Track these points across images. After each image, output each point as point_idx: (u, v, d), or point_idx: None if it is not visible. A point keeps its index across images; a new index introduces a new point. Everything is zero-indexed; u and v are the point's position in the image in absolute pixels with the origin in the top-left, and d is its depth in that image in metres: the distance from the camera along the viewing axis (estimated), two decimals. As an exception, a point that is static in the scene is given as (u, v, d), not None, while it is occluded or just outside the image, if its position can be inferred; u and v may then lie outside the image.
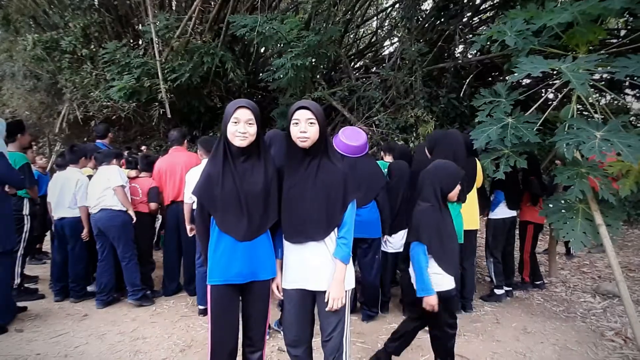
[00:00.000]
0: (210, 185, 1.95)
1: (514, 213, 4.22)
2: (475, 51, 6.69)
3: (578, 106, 3.44)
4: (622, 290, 2.92)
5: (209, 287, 2.01)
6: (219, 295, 1.99)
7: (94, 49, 6.75)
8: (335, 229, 1.95)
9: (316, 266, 1.94)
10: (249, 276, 1.98)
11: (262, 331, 2.10)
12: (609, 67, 3.03)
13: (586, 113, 4.45)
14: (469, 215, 3.70)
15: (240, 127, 1.89)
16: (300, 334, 2.03)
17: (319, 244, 1.94)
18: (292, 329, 2.04)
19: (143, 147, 7.65)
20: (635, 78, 3.03)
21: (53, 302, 4.11)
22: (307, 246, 1.95)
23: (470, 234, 3.77)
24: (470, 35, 6.97)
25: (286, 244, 2.01)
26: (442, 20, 7.03)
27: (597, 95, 4.87)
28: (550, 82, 5.92)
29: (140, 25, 6.98)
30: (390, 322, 3.58)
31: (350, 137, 3.43)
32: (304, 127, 1.88)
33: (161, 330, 3.45)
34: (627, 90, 6.02)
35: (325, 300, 1.92)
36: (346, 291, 1.96)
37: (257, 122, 1.93)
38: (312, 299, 2.02)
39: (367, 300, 3.63)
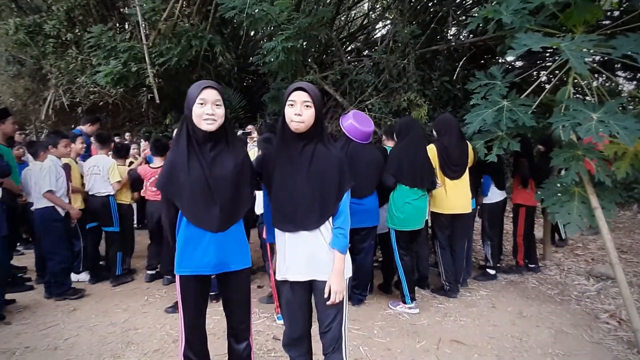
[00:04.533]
0: (174, 176, 1.83)
1: (505, 195, 4.23)
2: (468, 33, 6.59)
3: (572, 88, 3.39)
4: (618, 273, 2.92)
5: (177, 277, 1.94)
6: (187, 285, 1.92)
7: (79, 33, 6.55)
8: (330, 218, 1.88)
9: (310, 256, 1.87)
10: (219, 267, 1.90)
11: (245, 322, 2.06)
12: (606, 48, 2.97)
13: (580, 96, 4.41)
14: (460, 198, 3.70)
15: (208, 109, 1.78)
16: (297, 325, 1.98)
17: (312, 233, 1.86)
18: (289, 321, 1.99)
19: (127, 135, 7.51)
20: (630, 58, 2.98)
21: (43, 293, 4.03)
22: (300, 235, 1.87)
23: (462, 218, 3.76)
24: (464, 17, 6.87)
25: (279, 234, 1.93)
26: (435, 1, 6.91)
27: (590, 77, 4.82)
28: (544, 65, 5.89)
29: (125, 8, 6.78)
30: (385, 309, 3.56)
31: (363, 123, 3.39)
32: (299, 110, 1.78)
33: (153, 320, 3.39)
34: (619, 73, 5.99)
35: (326, 293, 1.85)
36: (344, 280, 1.90)
37: (224, 104, 1.84)
38: (308, 289, 1.95)
39: (359, 284, 3.61)
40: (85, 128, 5.20)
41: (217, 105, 1.80)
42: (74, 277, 4.17)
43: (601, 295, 3.81)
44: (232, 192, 1.86)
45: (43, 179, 3.70)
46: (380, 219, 3.63)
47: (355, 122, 3.35)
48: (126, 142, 7.23)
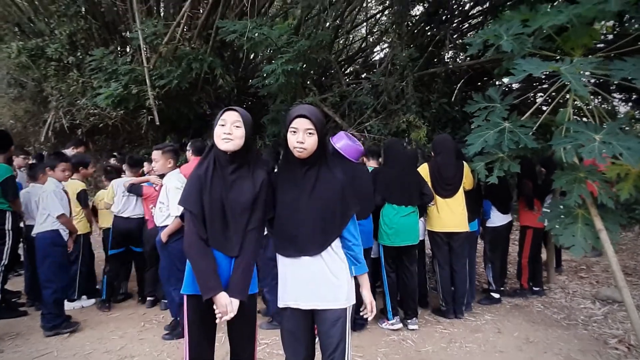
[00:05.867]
0: (198, 194, 1.82)
1: (509, 218, 4.19)
2: (465, 56, 6.68)
3: (571, 110, 3.40)
4: (626, 297, 2.86)
5: (185, 298, 1.90)
6: (193, 306, 1.88)
7: (81, 56, 6.61)
8: (334, 245, 1.84)
9: (312, 283, 1.82)
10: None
11: (250, 350, 1.99)
12: (605, 71, 2.99)
13: (576, 118, 4.43)
14: (453, 217, 3.69)
15: (226, 129, 1.79)
16: (299, 354, 1.90)
17: (314, 259, 1.82)
18: (290, 349, 1.91)
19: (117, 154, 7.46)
20: (627, 80, 3.01)
21: (36, 320, 3.91)
22: (302, 261, 1.83)
23: (459, 236, 3.73)
24: (460, 41, 6.97)
25: (280, 259, 1.89)
26: (432, 25, 7.03)
27: (590, 99, 4.86)
28: (541, 87, 5.95)
29: (127, 32, 6.86)
30: (389, 334, 3.48)
31: (355, 141, 3.38)
32: (301, 137, 1.76)
33: (150, 347, 3.29)
34: (614, 95, 6.05)
35: (369, 307, 1.92)
36: (346, 308, 1.86)
37: (245, 127, 1.83)
38: (310, 317, 1.89)
39: (358, 308, 3.53)
40: (70, 151, 5.18)
41: (236, 126, 1.81)
42: (68, 305, 4.09)
43: (608, 320, 3.72)
44: (247, 218, 1.84)
45: (52, 203, 3.53)
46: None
47: (350, 142, 3.33)
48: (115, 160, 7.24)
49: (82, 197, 4.16)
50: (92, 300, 4.32)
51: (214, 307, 1.77)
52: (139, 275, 4.42)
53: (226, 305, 1.76)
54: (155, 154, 3.36)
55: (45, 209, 3.59)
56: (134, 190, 4.09)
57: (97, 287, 4.57)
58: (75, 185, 4.12)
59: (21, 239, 4.17)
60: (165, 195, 3.30)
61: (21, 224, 4.10)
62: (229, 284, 1.82)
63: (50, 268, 3.56)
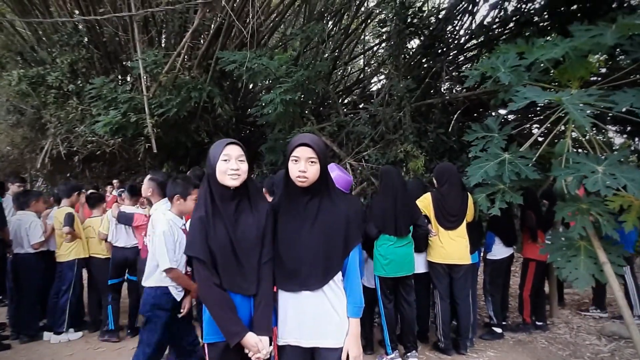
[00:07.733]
0: (203, 238, 1.73)
1: (511, 251, 4.11)
2: (461, 87, 6.78)
3: (570, 141, 3.40)
4: (634, 333, 2.77)
5: (205, 346, 1.81)
6: (215, 353, 1.78)
7: (81, 84, 6.66)
8: (336, 278, 1.76)
9: (314, 320, 1.73)
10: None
11: None
12: (605, 103, 3.00)
13: (575, 149, 4.44)
14: (457, 249, 3.61)
15: (232, 164, 1.74)
16: None
17: (315, 294, 1.74)
18: None
19: (115, 181, 7.45)
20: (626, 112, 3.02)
21: (21, 354, 3.75)
22: (302, 296, 1.74)
23: (461, 268, 3.64)
24: (456, 73, 7.10)
25: (280, 294, 1.81)
26: (428, 57, 7.16)
27: (590, 130, 4.89)
28: (536, 118, 6.01)
29: (128, 61, 6.94)
30: (387, 371, 3.34)
31: (345, 172, 3.33)
32: (303, 166, 1.72)
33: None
34: (609, 126, 6.11)
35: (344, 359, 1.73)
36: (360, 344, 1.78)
37: (247, 161, 1.80)
38: (309, 356, 1.79)
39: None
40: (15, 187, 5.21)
41: (240, 160, 1.77)
42: (54, 338, 3.93)
43: (616, 357, 3.59)
44: (258, 253, 1.78)
45: (160, 249, 2.63)
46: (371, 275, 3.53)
47: (341, 173, 3.29)
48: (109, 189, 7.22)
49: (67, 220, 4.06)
50: (79, 334, 4.16)
51: (245, 351, 1.70)
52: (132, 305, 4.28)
53: (256, 344, 1.69)
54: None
55: (153, 258, 2.71)
56: (123, 219, 4.00)
57: (85, 319, 4.43)
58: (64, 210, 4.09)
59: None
60: (151, 228, 3.20)
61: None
62: (253, 323, 1.76)
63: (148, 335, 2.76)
